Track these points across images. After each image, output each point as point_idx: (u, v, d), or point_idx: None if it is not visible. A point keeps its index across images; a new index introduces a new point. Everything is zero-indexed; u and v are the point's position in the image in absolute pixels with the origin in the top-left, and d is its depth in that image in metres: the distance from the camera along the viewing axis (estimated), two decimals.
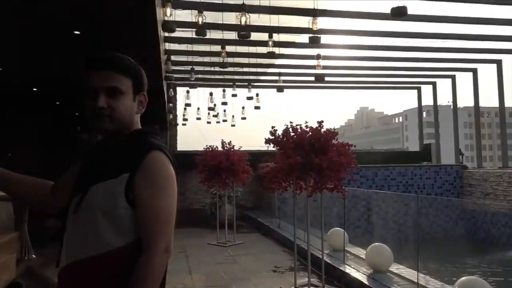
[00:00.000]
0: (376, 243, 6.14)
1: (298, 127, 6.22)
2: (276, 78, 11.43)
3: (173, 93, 11.31)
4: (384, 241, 6.68)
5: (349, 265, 6.28)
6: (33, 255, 8.20)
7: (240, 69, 10.68)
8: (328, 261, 6.45)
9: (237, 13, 5.52)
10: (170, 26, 5.10)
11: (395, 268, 5.87)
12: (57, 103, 9.98)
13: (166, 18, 4.86)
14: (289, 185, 6.33)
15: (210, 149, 9.58)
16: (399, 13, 5.12)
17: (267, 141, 6.31)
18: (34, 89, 8.33)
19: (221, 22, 7.37)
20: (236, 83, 11.27)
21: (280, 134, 6.34)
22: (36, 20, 4.75)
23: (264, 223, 11.16)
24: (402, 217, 12.05)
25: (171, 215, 1.38)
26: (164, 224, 1.35)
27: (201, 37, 6.25)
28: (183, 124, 13.67)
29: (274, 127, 6.34)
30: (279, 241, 9.42)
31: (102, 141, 1.53)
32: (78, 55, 6.29)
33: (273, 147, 6.58)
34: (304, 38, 9.55)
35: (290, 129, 6.20)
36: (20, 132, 10.19)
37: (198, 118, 13.08)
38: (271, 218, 11.84)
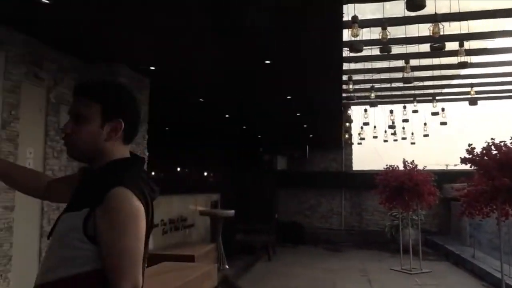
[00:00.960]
0: None
1: (502, 144, 5.46)
2: (464, 89, 10.31)
3: (350, 113, 11.25)
4: None
5: None
6: (227, 265, 9.00)
7: (421, 83, 10.00)
8: None
9: (429, 25, 5.16)
10: (357, 46, 5.10)
11: None
12: (244, 127, 10.96)
13: (353, 39, 4.87)
14: (492, 210, 5.55)
15: (391, 168, 9.13)
16: None
17: (464, 160, 5.68)
18: (226, 115, 9.32)
19: (403, 36, 7.05)
20: (417, 98, 10.57)
21: (478, 152, 5.66)
22: (230, 51, 5.26)
23: (454, 251, 10.03)
24: None
25: (135, 254, 1.31)
26: (128, 264, 1.29)
27: (385, 53, 6.06)
28: (359, 143, 13.45)
29: (471, 144, 5.68)
30: (474, 273, 8.31)
31: (88, 170, 1.48)
32: (267, 83, 6.82)
33: (470, 166, 5.89)
34: (497, 43, 8.45)
35: (492, 147, 5.47)
36: (213, 154, 11.54)
37: (375, 137, 12.68)
38: (461, 245, 10.59)
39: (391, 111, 11.37)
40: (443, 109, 10.53)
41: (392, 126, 11.78)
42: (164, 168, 11.61)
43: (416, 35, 7.21)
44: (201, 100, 7.87)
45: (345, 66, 7.77)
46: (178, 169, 11.85)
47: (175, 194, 8.79)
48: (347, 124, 12.06)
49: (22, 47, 4.34)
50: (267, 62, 5.60)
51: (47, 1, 3.54)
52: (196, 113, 9.08)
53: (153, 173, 10.80)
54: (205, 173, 11.65)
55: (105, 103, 1.39)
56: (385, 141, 13.12)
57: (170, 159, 11.56)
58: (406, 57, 7.36)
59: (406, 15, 6.50)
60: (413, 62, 7.99)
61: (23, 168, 1.82)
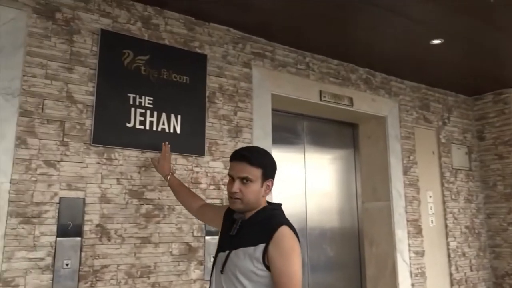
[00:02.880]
0: None
1: None
2: None
3: None
4: None
5: None
6: None
7: None
8: None
9: None
10: None
11: None
12: None
13: None
14: None
15: None
16: None
17: None
18: None
19: None
20: None
21: None
22: None
23: None
24: None
25: (299, 277, 1.65)
26: (296, 285, 1.63)
27: None
28: None
29: None
30: None
31: (246, 217, 1.85)
32: None
33: None
34: None
35: None
36: None
37: None
38: None
39: None
40: None
41: None
42: None
43: None
44: None
45: None
46: None
47: None
48: None
49: (411, 94, 4.49)
50: None
51: (439, 41, 3.49)
52: None
53: None
54: None
55: (264, 169, 1.85)
56: None
57: None
58: None
59: None
60: None
61: (187, 189, 2.52)
